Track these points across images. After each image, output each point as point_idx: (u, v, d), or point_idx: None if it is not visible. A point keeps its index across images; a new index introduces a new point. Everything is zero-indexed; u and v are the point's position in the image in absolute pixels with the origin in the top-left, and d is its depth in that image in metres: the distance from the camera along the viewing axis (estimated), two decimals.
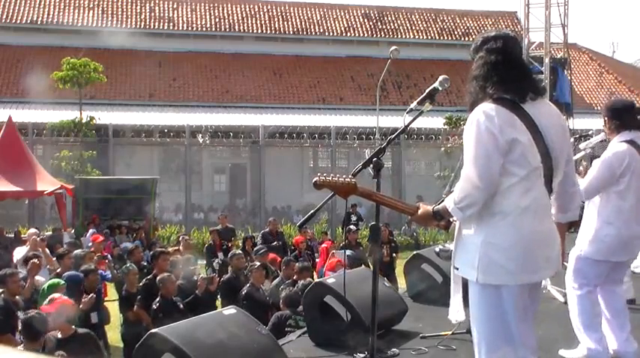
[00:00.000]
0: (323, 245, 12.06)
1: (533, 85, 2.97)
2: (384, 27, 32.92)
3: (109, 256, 10.40)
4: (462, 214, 2.83)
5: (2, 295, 6.23)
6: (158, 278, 7.19)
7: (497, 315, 2.87)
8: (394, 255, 11.78)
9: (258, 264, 8.17)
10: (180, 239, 11.42)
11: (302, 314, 5.97)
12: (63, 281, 6.74)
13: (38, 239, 9.44)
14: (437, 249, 5.11)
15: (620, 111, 4.45)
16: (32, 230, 11.22)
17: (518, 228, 2.80)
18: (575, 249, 4.45)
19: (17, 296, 6.39)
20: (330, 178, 3.02)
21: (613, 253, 4.32)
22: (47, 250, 9.47)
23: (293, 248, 12.59)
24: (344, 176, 3.06)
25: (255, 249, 10.37)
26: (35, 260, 7.30)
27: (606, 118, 4.48)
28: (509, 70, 2.92)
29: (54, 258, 9.08)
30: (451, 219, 3.05)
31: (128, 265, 8.29)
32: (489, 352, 2.92)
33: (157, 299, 6.93)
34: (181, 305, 6.98)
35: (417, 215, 3.03)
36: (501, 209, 2.80)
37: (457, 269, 2.97)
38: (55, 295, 5.82)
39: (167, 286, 7.01)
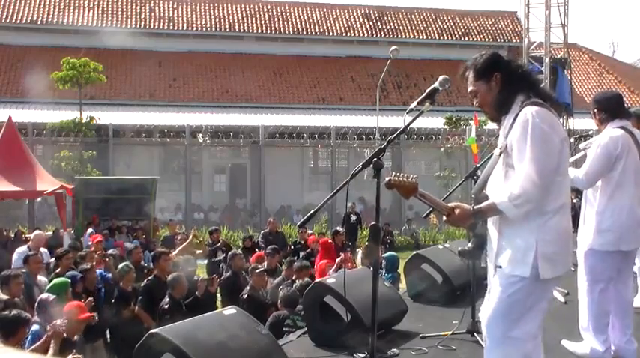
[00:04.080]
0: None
1: (550, 93, 3.30)
2: (384, 27, 32.91)
3: (113, 256, 10.38)
4: (516, 211, 2.93)
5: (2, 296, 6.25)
6: (170, 277, 7.15)
7: (538, 307, 3.04)
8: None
9: (259, 267, 8.16)
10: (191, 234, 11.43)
11: (300, 313, 5.98)
12: (68, 281, 6.74)
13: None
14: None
15: (611, 101, 4.55)
16: (37, 231, 11.25)
17: (563, 224, 3.02)
18: (582, 246, 4.42)
19: (16, 298, 6.39)
20: (400, 178, 3.09)
21: (623, 242, 4.30)
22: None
23: (295, 246, 12.58)
24: (411, 176, 3.12)
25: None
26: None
27: (597, 109, 4.53)
28: (533, 78, 3.23)
29: (53, 258, 9.09)
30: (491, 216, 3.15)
31: (125, 264, 8.27)
32: (516, 342, 3.01)
33: (167, 299, 6.91)
34: (183, 307, 6.98)
35: (454, 215, 3.06)
36: (553, 207, 2.98)
37: (500, 267, 3.04)
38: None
39: (179, 286, 6.99)
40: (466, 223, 3.15)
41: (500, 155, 3.07)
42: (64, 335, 5.10)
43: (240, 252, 9.88)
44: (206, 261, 11.74)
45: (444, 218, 3.14)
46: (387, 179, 3.12)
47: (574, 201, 12.15)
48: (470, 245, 3.31)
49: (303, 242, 12.52)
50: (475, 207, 3.04)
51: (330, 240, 11.73)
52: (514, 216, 2.96)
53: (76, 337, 5.44)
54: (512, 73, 3.11)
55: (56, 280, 6.81)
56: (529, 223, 2.96)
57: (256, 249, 12.03)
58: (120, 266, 8.32)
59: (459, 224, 3.19)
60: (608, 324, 4.43)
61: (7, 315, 5.12)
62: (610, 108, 4.49)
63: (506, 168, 3.05)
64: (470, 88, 3.16)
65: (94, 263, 8.46)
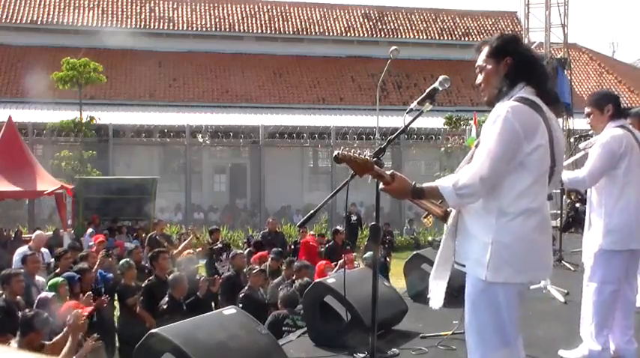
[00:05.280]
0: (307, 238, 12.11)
1: (554, 91, 3.15)
2: (384, 27, 32.92)
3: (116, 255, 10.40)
4: (458, 200, 2.84)
5: (3, 295, 6.26)
6: (170, 277, 7.13)
7: (499, 314, 2.90)
8: (387, 258, 11.60)
9: (257, 267, 8.18)
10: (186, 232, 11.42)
11: (300, 313, 5.98)
12: (62, 279, 6.76)
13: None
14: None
15: (612, 99, 4.51)
16: (38, 231, 11.26)
17: (527, 229, 2.85)
18: (591, 248, 4.39)
19: (18, 297, 6.41)
20: (352, 153, 2.97)
21: (633, 240, 4.28)
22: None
23: (295, 246, 12.57)
24: (365, 153, 3.02)
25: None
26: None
27: (611, 104, 4.45)
28: (543, 72, 3.06)
29: (52, 259, 9.08)
30: (448, 209, 3.04)
31: (126, 261, 8.29)
32: (488, 352, 2.93)
33: (166, 299, 6.90)
34: (184, 307, 6.96)
35: (392, 185, 2.95)
36: (514, 210, 2.84)
37: (463, 266, 2.97)
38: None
39: (179, 286, 6.97)
40: (402, 197, 3.05)
41: (476, 147, 2.98)
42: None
43: (241, 251, 9.90)
44: (205, 261, 11.72)
45: (382, 185, 2.99)
46: (335, 153, 3.00)
47: (577, 204, 12.15)
48: (444, 236, 3.27)
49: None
50: (416, 184, 2.93)
51: (312, 241, 11.77)
52: (453, 205, 2.90)
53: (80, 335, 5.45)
54: (523, 62, 2.98)
55: (51, 281, 6.84)
56: (489, 221, 2.85)
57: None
58: (121, 262, 8.34)
59: (395, 195, 3.05)
60: (610, 326, 4.41)
61: (26, 314, 5.14)
62: (614, 105, 4.49)
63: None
64: (478, 62, 3.07)
65: (96, 263, 8.47)
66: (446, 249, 3.09)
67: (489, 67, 3.00)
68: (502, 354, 2.92)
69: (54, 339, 5.08)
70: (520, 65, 2.97)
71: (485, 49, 3.03)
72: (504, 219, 2.84)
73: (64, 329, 5.05)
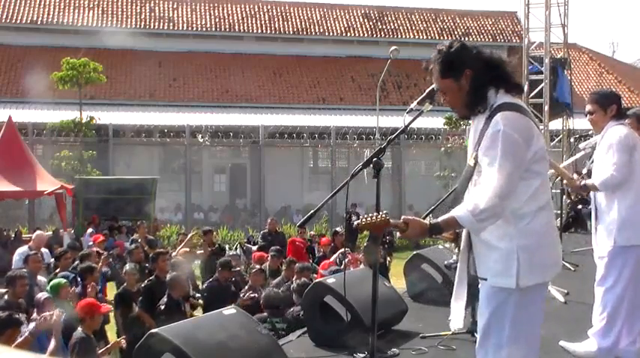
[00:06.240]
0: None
1: (519, 82, 3.11)
2: (384, 27, 32.91)
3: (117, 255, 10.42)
4: (478, 226, 2.77)
5: (5, 296, 6.27)
6: (169, 277, 7.14)
7: (534, 315, 2.89)
8: (388, 258, 11.60)
9: (257, 267, 8.20)
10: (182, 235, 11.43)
11: (281, 315, 5.98)
12: (65, 281, 6.78)
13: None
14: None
15: (615, 101, 4.51)
16: (38, 231, 11.28)
17: (542, 226, 2.87)
18: (604, 247, 4.39)
19: (20, 299, 6.42)
20: (370, 219, 2.88)
21: None
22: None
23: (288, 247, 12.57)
24: (377, 214, 2.94)
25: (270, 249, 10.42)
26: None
27: (601, 108, 4.45)
28: (504, 67, 2.97)
29: (52, 258, 9.09)
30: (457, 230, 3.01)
31: (127, 266, 8.31)
32: (512, 354, 2.89)
33: (164, 299, 6.89)
34: (183, 308, 6.96)
35: (407, 232, 2.83)
36: (529, 211, 2.84)
37: (485, 280, 2.90)
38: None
39: (178, 286, 6.97)
40: (422, 237, 2.99)
41: (474, 166, 2.90)
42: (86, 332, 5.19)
43: (235, 253, 9.93)
44: (198, 262, 11.70)
45: (398, 234, 2.96)
46: (355, 223, 2.94)
47: (579, 206, 12.13)
48: (456, 257, 3.24)
49: None
50: (432, 221, 2.83)
51: (299, 241, 11.79)
52: (476, 231, 2.84)
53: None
54: (483, 68, 2.87)
55: (53, 282, 6.86)
56: (508, 229, 2.82)
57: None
58: (126, 267, 8.35)
59: (414, 238, 2.99)
60: (619, 324, 4.40)
61: (0, 316, 5.16)
62: (621, 105, 4.50)
63: (477, 178, 2.89)
64: (437, 86, 2.96)
65: (100, 264, 8.50)
66: (462, 265, 3.04)
67: (451, 87, 2.91)
68: (526, 353, 2.91)
69: (21, 338, 5.10)
70: (481, 72, 2.87)
71: (438, 68, 2.93)
72: (523, 223, 2.83)
73: (30, 327, 5.10)
